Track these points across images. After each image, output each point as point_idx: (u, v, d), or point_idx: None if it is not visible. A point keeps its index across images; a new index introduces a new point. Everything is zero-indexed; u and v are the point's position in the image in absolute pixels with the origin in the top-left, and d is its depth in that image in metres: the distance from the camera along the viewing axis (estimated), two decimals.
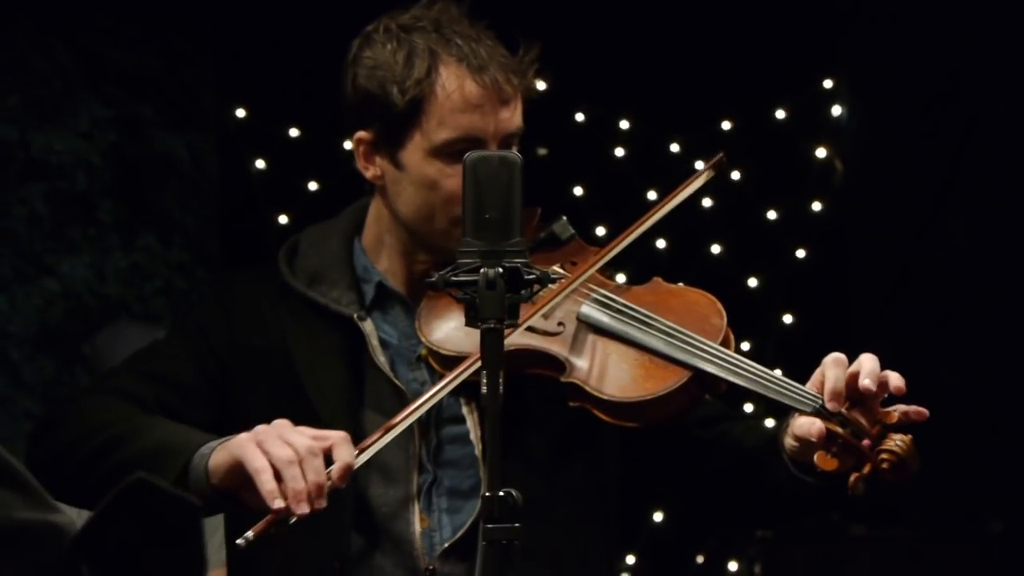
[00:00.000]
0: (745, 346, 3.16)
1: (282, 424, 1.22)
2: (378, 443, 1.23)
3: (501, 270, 0.99)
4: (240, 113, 2.97)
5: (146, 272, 3.00)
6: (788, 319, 3.04)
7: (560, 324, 1.30)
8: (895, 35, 3.20)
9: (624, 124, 2.99)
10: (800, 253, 3.06)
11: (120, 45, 2.94)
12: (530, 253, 1.25)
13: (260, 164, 2.95)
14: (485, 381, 1.01)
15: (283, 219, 2.93)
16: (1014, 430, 3.17)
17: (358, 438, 1.25)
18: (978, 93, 3.13)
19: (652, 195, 3.00)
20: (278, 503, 1.13)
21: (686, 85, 3.11)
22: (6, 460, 0.68)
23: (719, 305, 1.31)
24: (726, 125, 3.05)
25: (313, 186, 2.90)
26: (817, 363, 3.12)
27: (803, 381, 2.93)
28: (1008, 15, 3.05)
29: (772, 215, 3.10)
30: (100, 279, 2.91)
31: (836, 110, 3.13)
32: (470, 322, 1.02)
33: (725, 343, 1.28)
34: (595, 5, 3.14)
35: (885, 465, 1.15)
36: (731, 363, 1.23)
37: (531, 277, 1.02)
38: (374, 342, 1.33)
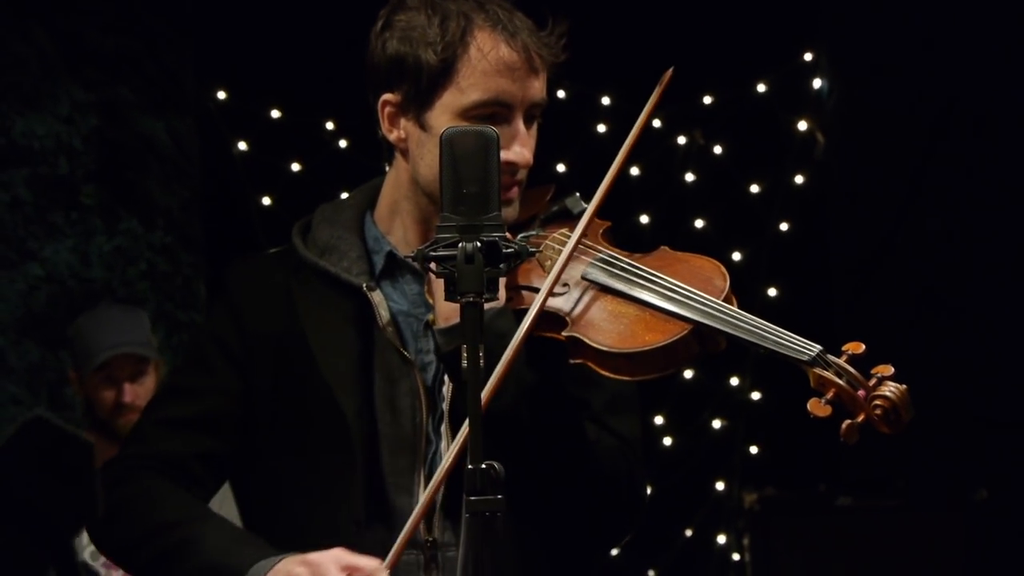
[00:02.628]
0: None
1: (325, 560, 1.24)
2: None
3: (479, 244, 1.00)
4: (221, 95, 2.97)
5: (129, 255, 2.99)
6: (772, 292, 3.07)
7: (564, 285, 1.30)
8: (875, 7, 3.21)
9: (605, 100, 3.01)
10: (783, 226, 3.09)
11: (100, 28, 2.93)
12: (543, 226, 1.33)
13: (242, 146, 2.96)
14: (465, 355, 1.03)
15: (266, 200, 2.95)
16: (997, 398, 3.20)
17: (366, 408, 1.31)
18: (959, 64, 3.15)
19: (635, 170, 3.05)
20: None
21: (667, 60, 3.09)
22: None
23: (723, 269, 1.32)
24: (707, 100, 3.06)
25: (295, 167, 2.92)
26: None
27: (781, 366, 2.78)
28: None
29: (755, 188, 3.12)
30: (84, 263, 2.90)
31: (817, 83, 3.15)
32: (449, 296, 1.03)
33: (727, 303, 1.28)
34: None
35: (879, 412, 1.16)
36: (730, 317, 1.22)
37: (509, 251, 1.03)
38: (383, 312, 1.33)
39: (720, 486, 3.42)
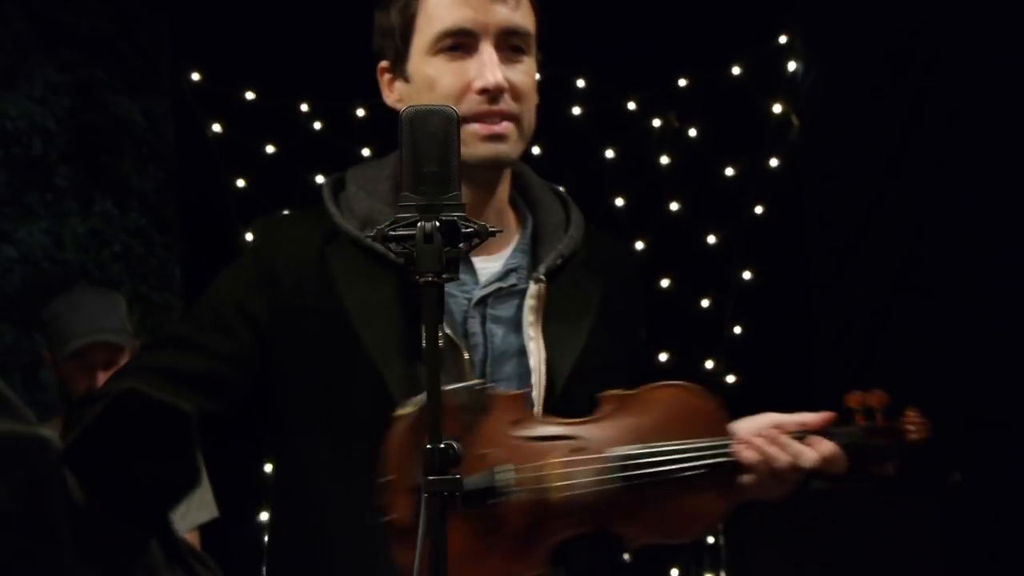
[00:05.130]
0: (704, 303, 3.24)
1: None
2: None
3: (438, 223, 1.00)
4: (195, 77, 2.95)
5: (104, 237, 2.96)
6: (747, 275, 3.06)
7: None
8: None
9: (580, 83, 3.00)
10: (758, 209, 3.08)
11: (75, 8, 2.88)
12: (467, 432, 1.26)
13: (216, 128, 2.93)
14: (425, 335, 1.01)
15: (240, 183, 2.93)
16: (971, 381, 3.15)
17: (413, 389, 1.25)
18: (934, 48, 3.14)
19: (610, 153, 3.08)
20: None
21: (642, 43, 3.09)
22: None
23: (690, 389, 1.35)
24: (682, 82, 3.04)
25: (270, 149, 2.90)
26: (774, 319, 2.94)
27: (758, 340, 2.73)
28: None
29: (729, 171, 3.10)
30: (58, 245, 2.87)
31: (791, 66, 3.14)
32: (410, 275, 1.03)
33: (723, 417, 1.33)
34: None
35: (915, 439, 1.36)
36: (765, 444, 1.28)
37: (469, 230, 1.03)
38: None
39: None
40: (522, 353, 1.33)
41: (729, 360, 3.15)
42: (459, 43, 1.31)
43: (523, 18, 1.32)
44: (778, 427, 1.32)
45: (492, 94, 1.29)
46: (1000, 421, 3.21)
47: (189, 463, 0.71)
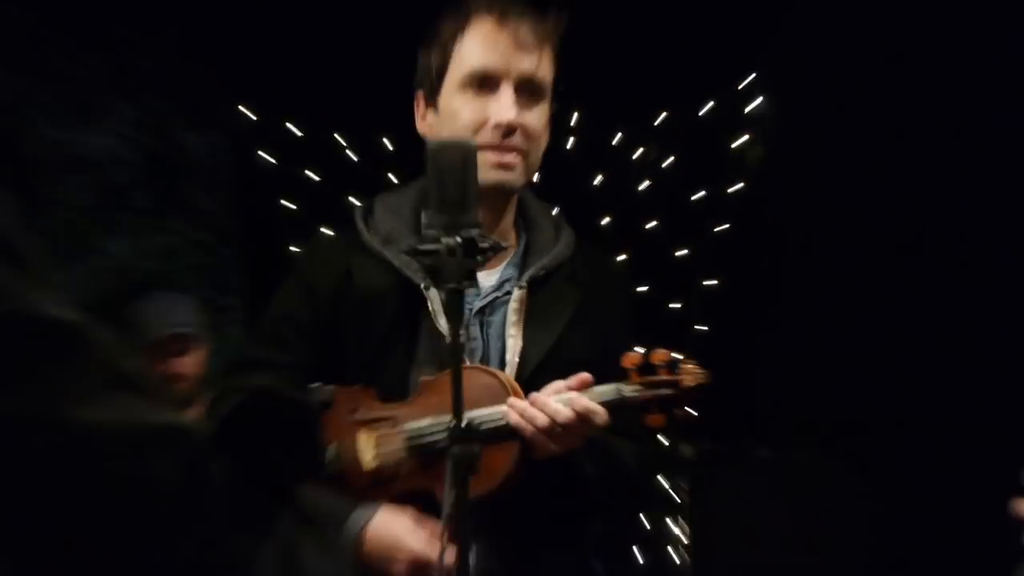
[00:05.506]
0: (674, 305, 3.50)
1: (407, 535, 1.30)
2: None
3: (459, 240, 1.06)
4: (250, 114, 3.19)
5: (176, 250, 3.24)
6: (712, 282, 3.35)
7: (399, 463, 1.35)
8: (808, 39, 3.42)
9: (574, 117, 3.21)
10: (723, 227, 3.35)
11: (151, 58, 3.16)
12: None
13: (268, 157, 3.18)
14: (449, 333, 1.07)
15: (288, 203, 3.18)
16: (894, 365, 3.33)
17: (404, 389, 1.37)
18: (883, 89, 3.35)
19: (598, 179, 3.29)
20: None
21: (627, 82, 3.29)
22: (130, 368, 0.67)
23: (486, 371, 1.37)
24: (661, 118, 3.27)
25: (312, 175, 3.15)
26: (736, 319, 2.83)
27: (718, 337, 2.73)
28: (910, 20, 3.24)
29: (700, 194, 3.35)
30: (139, 257, 3.15)
31: (757, 102, 3.35)
32: (436, 284, 1.08)
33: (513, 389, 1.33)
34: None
35: (690, 394, 1.33)
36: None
37: (485, 245, 1.09)
38: (435, 307, 1.38)
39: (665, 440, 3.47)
40: (505, 353, 1.39)
41: (693, 353, 3.29)
42: (484, 83, 1.38)
43: (543, 70, 1.39)
44: (555, 391, 1.34)
45: (505, 130, 1.36)
46: (924, 415, 3.28)
47: (313, 452, 0.72)
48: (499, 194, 1.43)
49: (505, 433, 1.31)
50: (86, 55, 3.05)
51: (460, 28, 1.41)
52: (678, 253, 3.33)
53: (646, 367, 1.37)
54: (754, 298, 3.48)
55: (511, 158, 1.39)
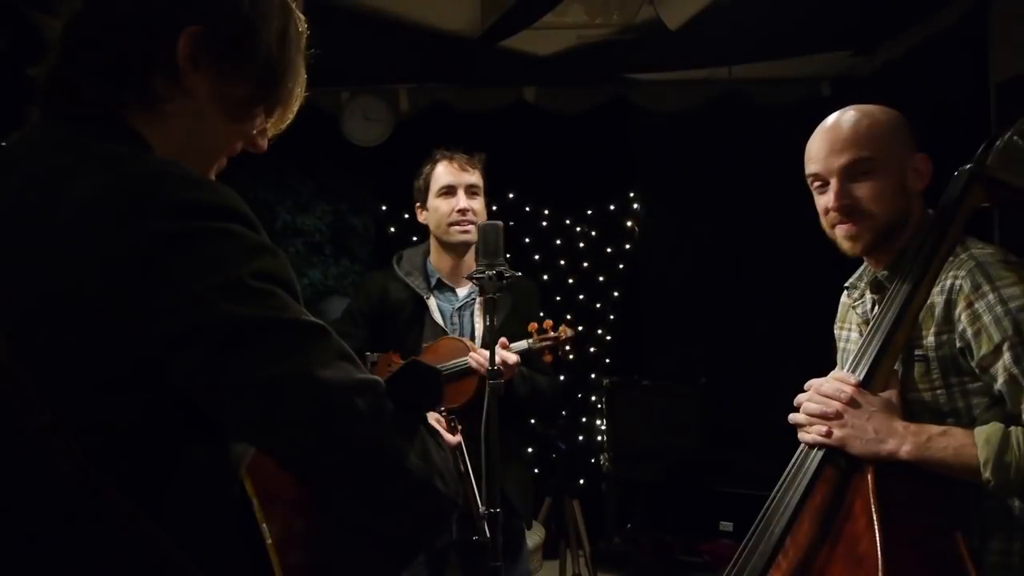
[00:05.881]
0: (595, 305, 4.61)
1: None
2: None
3: (494, 272, 1.63)
4: (384, 207, 4.56)
5: (344, 276, 4.44)
6: (612, 317, 4.63)
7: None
8: (671, 161, 4.62)
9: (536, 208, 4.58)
10: (615, 293, 4.70)
11: (329, 172, 4.29)
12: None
13: (392, 230, 4.59)
14: (486, 320, 1.63)
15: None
16: (719, 337, 4.57)
17: (416, 352, 1.93)
18: (725, 193, 4.55)
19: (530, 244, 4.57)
20: None
21: (567, 188, 4.52)
22: (340, 342, 0.86)
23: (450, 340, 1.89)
24: (588, 211, 4.61)
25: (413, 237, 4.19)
26: (626, 345, 4.57)
27: (622, 326, 4.54)
28: (753, 139, 4.30)
29: (609, 250, 4.69)
30: (324, 278, 4.36)
31: (635, 205, 4.72)
32: (482, 293, 1.64)
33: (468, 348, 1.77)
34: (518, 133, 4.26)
35: (565, 337, 1.90)
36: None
37: (508, 276, 1.63)
38: (432, 306, 2.05)
39: (593, 376, 4.71)
40: (474, 332, 2.03)
41: (601, 328, 4.49)
42: (448, 191, 2.06)
43: (478, 179, 2.08)
44: (502, 346, 1.82)
45: (463, 212, 2.04)
46: (732, 365, 4.39)
47: (438, 391, 0.90)
48: (464, 246, 2.07)
49: (469, 371, 1.85)
50: (299, 175, 4.33)
51: (432, 166, 2.12)
52: (592, 306, 4.53)
53: (540, 330, 1.97)
54: (637, 302, 4.77)
55: (468, 227, 2.04)
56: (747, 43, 3.96)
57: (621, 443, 4.34)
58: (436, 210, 2.18)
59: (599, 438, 4.53)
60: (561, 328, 2.07)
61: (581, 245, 4.79)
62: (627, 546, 3.93)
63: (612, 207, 4.83)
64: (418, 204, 2.23)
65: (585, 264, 4.75)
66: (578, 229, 4.72)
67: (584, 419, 4.67)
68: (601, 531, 4.21)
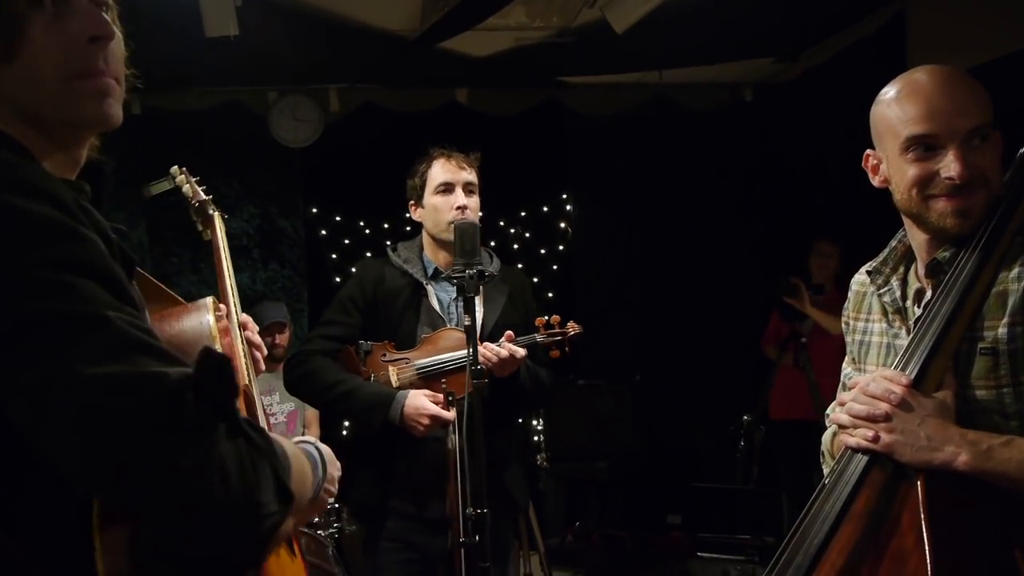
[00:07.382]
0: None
1: (422, 409, 1.83)
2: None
3: (473, 271, 1.67)
4: (315, 209, 4.66)
5: (274, 280, 4.54)
6: (551, 294, 4.88)
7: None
8: (603, 163, 4.79)
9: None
10: (549, 294, 4.88)
11: (262, 168, 4.30)
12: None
13: (323, 232, 4.68)
14: (467, 316, 1.63)
15: (334, 255, 4.67)
16: (648, 339, 4.79)
17: (412, 342, 1.98)
18: (655, 194, 4.74)
19: (493, 243, 4.54)
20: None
21: (509, 193, 4.48)
22: (135, 332, 0.76)
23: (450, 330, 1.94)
24: (523, 213, 4.85)
25: (347, 241, 4.70)
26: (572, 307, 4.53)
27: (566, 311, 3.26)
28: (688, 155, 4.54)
29: (543, 251, 4.91)
30: (252, 283, 4.45)
31: (568, 207, 4.90)
32: (460, 294, 1.67)
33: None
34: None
35: (572, 339, 1.93)
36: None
37: (487, 274, 1.69)
38: (431, 293, 2.10)
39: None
40: (474, 320, 1.87)
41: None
42: (446, 188, 2.06)
43: (475, 177, 2.10)
44: (507, 339, 1.90)
45: (462, 208, 2.05)
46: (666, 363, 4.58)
47: (229, 380, 0.81)
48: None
49: (472, 363, 1.75)
50: (225, 176, 4.44)
51: (429, 164, 2.13)
52: (537, 279, 4.79)
53: (548, 325, 2.01)
54: (571, 302, 4.86)
55: (467, 215, 2.08)
56: (678, 48, 4.07)
57: (559, 442, 4.34)
58: (433, 207, 2.17)
59: (535, 438, 4.44)
60: (569, 324, 2.10)
61: (515, 247, 4.88)
62: (579, 544, 3.90)
63: (545, 208, 4.95)
64: (412, 201, 2.23)
65: (519, 265, 4.73)
66: (512, 231, 4.81)
67: (520, 419, 4.62)
68: (545, 530, 4.24)
